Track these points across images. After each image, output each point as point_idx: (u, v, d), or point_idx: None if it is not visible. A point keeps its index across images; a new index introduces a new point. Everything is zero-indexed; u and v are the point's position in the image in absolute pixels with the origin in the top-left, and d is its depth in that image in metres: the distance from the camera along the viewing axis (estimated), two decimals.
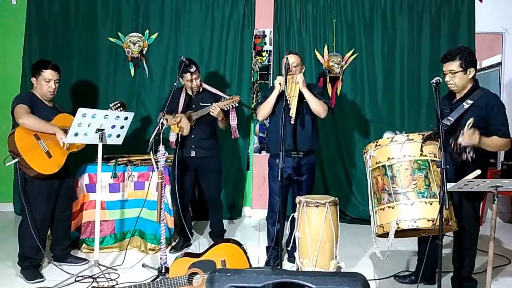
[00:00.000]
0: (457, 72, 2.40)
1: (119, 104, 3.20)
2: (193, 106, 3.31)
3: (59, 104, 3.07)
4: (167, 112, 3.15)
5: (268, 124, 3.36)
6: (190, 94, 3.37)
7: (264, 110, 3.05)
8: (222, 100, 3.24)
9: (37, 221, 2.78)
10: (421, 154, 2.26)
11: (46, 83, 2.82)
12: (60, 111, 2.97)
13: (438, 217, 2.06)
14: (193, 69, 3.17)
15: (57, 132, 2.78)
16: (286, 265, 3.11)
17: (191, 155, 3.33)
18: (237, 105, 3.24)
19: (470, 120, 2.21)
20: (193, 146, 3.33)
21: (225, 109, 3.22)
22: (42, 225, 2.83)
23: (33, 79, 2.86)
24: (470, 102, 2.38)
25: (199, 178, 3.47)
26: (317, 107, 2.94)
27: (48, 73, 2.82)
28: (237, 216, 4.59)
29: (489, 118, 2.36)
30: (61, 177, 2.89)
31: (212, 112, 3.18)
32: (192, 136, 3.33)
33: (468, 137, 2.18)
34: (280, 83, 2.92)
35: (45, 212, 2.83)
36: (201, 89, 3.40)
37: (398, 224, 2.19)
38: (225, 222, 3.67)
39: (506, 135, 2.36)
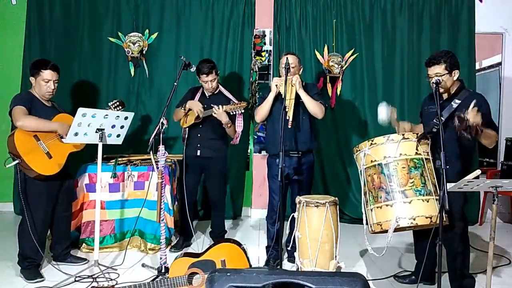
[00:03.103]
0: (443, 74, 2.47)
1: (118, 103, 3.18)
2: (205, 106, 3.31)
3: (58, 104, 3.05)
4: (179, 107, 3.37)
5: (267, 124, 3.36)
6: (206, 94, 3.40)
7: (262, 112, 3.05)
8: (231, 104, 3.24)
9: (38, 221, 2.78)
10: (416, 153, 2.31)
11: (45, 83, 2.79)
12: (59, 110, 2.95)
13: (437, 217, 2.08)
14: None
15: (58, 128, 2.77)
16: (286, 265, 3.11)
17: (196, 154, 3.34)
18: (243, 111, 3.24)
19: (473, 102, 2.26)
20: (198, 145, 3.34)
21: (231, 113, 3.21)
22: (43, 225, 2.82)
23: (32, 79, 2.82)
24: (458, 101, 2.48)
25: (205, 179, 3.47)
26: (314, 108, 2.94)
27: (47, 73, 2.79)
28: (237, 216, 4.59)
29: None
30: (61, 178, 2.89)
31: (215, 113, 3.18)
32: (198, 135, 3.35)
33: (473, 115, 2.22)
34: (276, 85, 2.93)
35: (45, 212, 2.83)
36: (216, 91, 3.42)
37: (397, 222, 2.21)
38: (225, 221, 3.67)
39: (496, 130, 2.48)
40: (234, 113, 3.22)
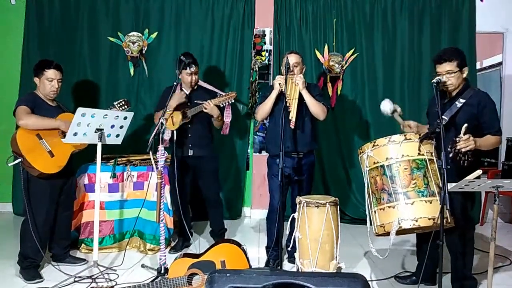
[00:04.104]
0: (455, 72, 2.43)
1: (123, 102, 3.15)
2: (188, 104, 3.27)
3: (62, 103, 3.07)
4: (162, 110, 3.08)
5: (268, 124, 3.34)
6: (185, 91, 3.33)
7: (263, 110, 3.03)
8: (218, 96, 3.21)
9: (40, 221, 2.78)
10: (418, 154, 2.29)
11: (49, 83, 2.83)
12: (63, 110, 2.97)
13: (439, 217, 2.07)
14: (193, 68, 3.16)
15: (61, 125, 2.78)
16: (286, 266, 3.10)
17: (189, 154, 3.31)
18: (233, 101, 3.21)
19: (465, 127, 2.23)
20: (190, 145, 3.30)
21: (221, 105, 3.18)
22: (45, 225, 2.83)
23: (36, 79, 2.86)
24: (462, 101, 2.43)
25: (197, 178, 3.45)
26: (316, 109, 2.92)
27: (51, 73, 2.83)
28: (236, 216, 4.58)
29: (481, 116, 2.42)
30: (64, 176, 2.90)
31: (205, 109, 3.15)
32: (189, 135, 3.30)
33: (464, 143, 2.21)
34: (280, 83, 2.90)
35: (48, 212, 2.83)
36: (196, 87, 3.35)
37: (399, 224, 2.19)
38: (224, 222, 3.66)
39: (498, 133, 2.42)
40: (224, 105, 3.18)
